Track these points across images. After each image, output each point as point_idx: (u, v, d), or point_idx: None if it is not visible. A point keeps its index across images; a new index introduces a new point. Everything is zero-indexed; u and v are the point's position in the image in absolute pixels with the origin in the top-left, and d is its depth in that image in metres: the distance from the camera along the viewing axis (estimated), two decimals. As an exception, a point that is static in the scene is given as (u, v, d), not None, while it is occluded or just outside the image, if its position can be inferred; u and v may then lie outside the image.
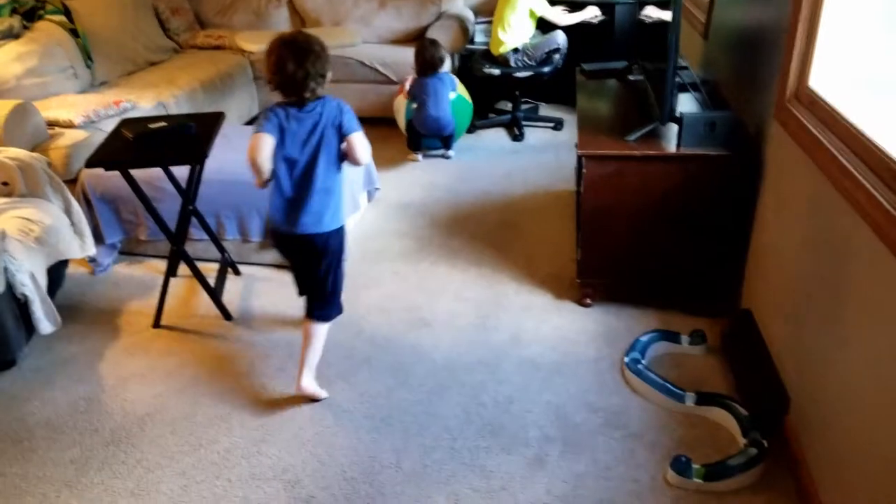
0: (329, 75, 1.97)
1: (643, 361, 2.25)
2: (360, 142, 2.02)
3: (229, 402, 2.25)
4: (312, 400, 2.23)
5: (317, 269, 2.12)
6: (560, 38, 4.18)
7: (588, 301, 2.64)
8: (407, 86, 3.98)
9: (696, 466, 1.83)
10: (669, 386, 2.13)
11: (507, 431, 2.08)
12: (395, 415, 2.16)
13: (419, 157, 4.12)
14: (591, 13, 4.32)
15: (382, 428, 2.11)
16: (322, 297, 2.18)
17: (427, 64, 3.89)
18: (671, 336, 2.36)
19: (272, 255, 3.02)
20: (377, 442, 2.06)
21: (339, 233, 2.12)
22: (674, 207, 2.41)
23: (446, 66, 3.97)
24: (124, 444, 2.09)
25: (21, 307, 2.39)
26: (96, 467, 2.01)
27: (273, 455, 2.03)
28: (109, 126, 3.01)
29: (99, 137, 3.10)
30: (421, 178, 3.89)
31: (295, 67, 1.88)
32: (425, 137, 4.04)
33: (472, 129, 4.51)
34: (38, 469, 2.01)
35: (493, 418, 2.13)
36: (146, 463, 2.02)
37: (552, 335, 2.51)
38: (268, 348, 2.51)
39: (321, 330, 2.21)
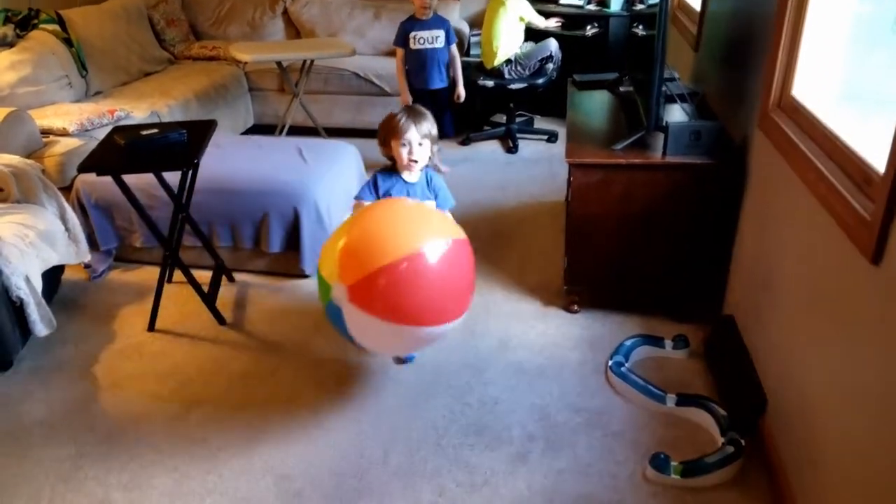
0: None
1: (626, 365, 2.41)
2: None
3: (222, 402, 2.41)
4: (301, 401, 2.39)
5: None
6: (552, 45, 4.39)
7: (575, 307, 2.80)
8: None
9: (674, 463, 1.99)
10: (651, 387, 2.29)
11: (491, 430, 2.23)
12: (383, 415, 2.32)
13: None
14: (553, 23, 4.78)
15: (370, 427, 2.27)
16: None
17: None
18: (654, 340, 2.52)
19: (265, 262, 3.19)
20: (365, 440, 2.22)
21: None
22: (658, 215, 2.58)
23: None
24: (118, 442, 2.24)
25: (17, 310, 2.55)
26: (90, 464, 2.16)
27: (264, 452, 2.18)
28: (103, 134, 3.20)
29: (93, 145, 3.27)
30: (414, 188, 4.08)
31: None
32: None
33: (466, 142, 4.70)
34: (33, 465, 2.16)
35: (478, 418, 2.29)
36: (139, 459, 2.17)
37: (539, 341, 2.67)
38: (260, 353, 2.67)
39: None
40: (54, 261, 2.80)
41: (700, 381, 2.40)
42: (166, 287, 2.93)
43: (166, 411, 2.37)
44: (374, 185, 2.42)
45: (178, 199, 2.81)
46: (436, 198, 2.46)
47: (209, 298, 2.86)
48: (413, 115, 2.35)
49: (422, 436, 2.23)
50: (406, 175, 2.41)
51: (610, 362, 2.43)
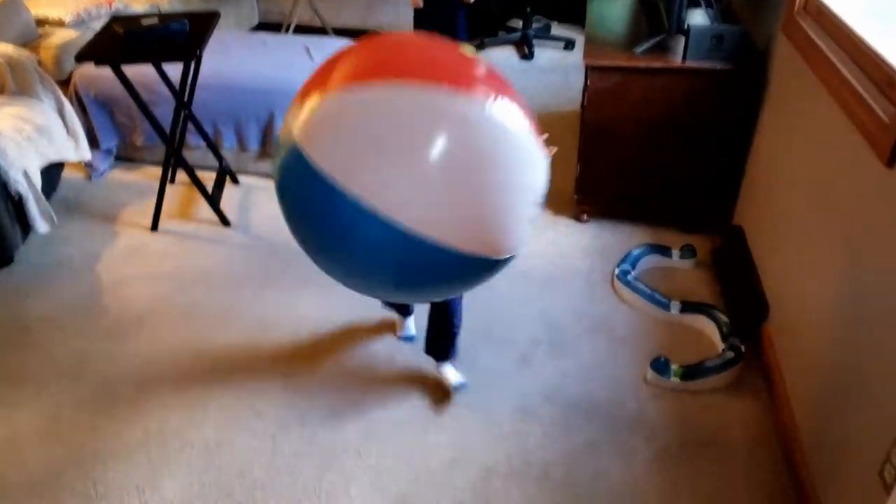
0: None
1: (633, 273, 2.41)
2: None
3: (228, 302, 2.43)
4: (307, 303, 2.41)
5: None
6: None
7: (584, 217, 2.78)
8: None
9: (674, 367, 2.01)
10: (656, 295, 2.30)
11: (498, 334, 2.26)
12: (391, 320, 2.34)
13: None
14: None
15: (379, 333, 2.29)
16: None
17: None
18: (662, 250, 2.52)
19: (270, 165, 3.16)
20: (372, 342, 2.24)
21: None
22: (675, 122, 2.51)
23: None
24: (123, 340, 2.27)
25: (16, 206, 2.53)
26: (95, 359, 2.20)
27: (271, 350, 2.22)
28: (100, 26, 3.09)
29: (90, 37, 3.18)
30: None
31: None
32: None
33: (480, 46, 4.56)
34: (39, 359, 2.20)
35: (485, 323, 2.31)
36: (145, 355, 2.21)
37: (547, 250, 2.66)
38: (267, 253, 2.68)
39: None
40: (53, 157, 2.76)
41: (705, 291, 2.40)
42: (169, 188, 2.92)
43: (171, 311, 2.39)
44: None
45: (179, 94, 2.75)
46: None
47: (213, 199, 2.85)
48: None
49: (426, 337, 2.26)
50: None
51: (616, 270, 2.43)
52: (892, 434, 1.29)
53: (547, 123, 3.63)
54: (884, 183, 1.43)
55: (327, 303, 2.40)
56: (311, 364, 2.16)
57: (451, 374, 2.06)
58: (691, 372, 2.00)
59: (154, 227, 2.82)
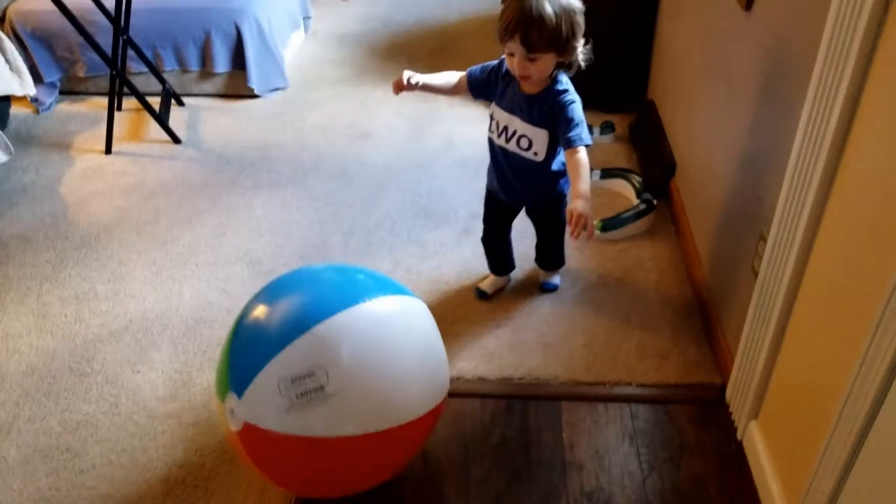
0: None
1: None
2: None
3: (188, 208, 2.60)
4: (263, 201, 2.60)
5: None
6: None
7: (513, 107, 3.01)
8: None
9: (595, 221, 2.29)
10: (579, 166, 2.56)
11: (439, 213, 2.50)
12: (342, 208, 2.56)
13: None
14: None
15: (331, 218, 2.51)
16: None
17: None
18: (584, 128, 2.77)
19: (213, 85, 3.28)
20: (327, 228, 2.46)
21: None
22: (589, 13, 2.72)
23: None
24: (94, 247, 2.44)
25: (-28, 140, 2.63)
26: (71, 265, 2.37)
27: (234, 244, 2.42)
28: (30, -40, 3.13)
29: (21, -26, 3.21)
30: (356, 11, 4.11)
31: None
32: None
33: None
34: (16, 270, 2.35)
35: (428, 205, 2.54)
36: (118, 258, 2.39)
37: (481, 138, 2.83)
38: (220, 165, 2.84)
39: None
40: (2, 90, 2.84)
41: (623, 160, 2.68)
42: (116, 115, 3.02)
43: (136, 220, 2.56)
44: (485, 76, 1.78)
45: (115, 20, 2.84)
46: (555, 130, 1.68)
47: (161, 118, 2.98)
48: (518, 16, 1.53)
49: (377, 223, 2.48)
50: (524, 85, 1.68)
51: (543, 149, 2.68)
52: (757, 233, 1.58)
53: (477, 27, 3.82)
54: (744, 26, 1.69)
55: (282, 203, 2.60)
56: (274, 251, 2.37)
57: (556, 279, 2.15)
58: (609, 223, 2.28)
59: (108, 150, 2.95)
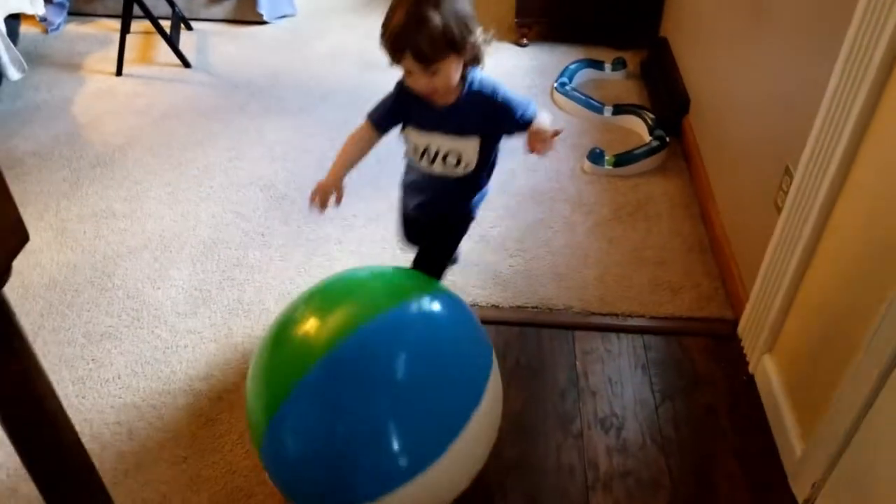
0: None
1: (570, 85, 2.57)
2: None
3: (200, 131, 2.51)
4: (276, 126, 2.51)
5: None
6: None
7: (524, 41, 2.90)
8: None
9: (607, 157, 2.22)
10: (591, 101, 2.47)
11: (452, 143, 2.42)
12: (353, 135, 2.47)
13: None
14: None
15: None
16: None
17: None
18: (595, 64, 2.67)
19: (222, 10, 3.13)
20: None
21: None
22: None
23: None
24: (110, 166, 2.35)
25: (-17, 55, 2.49)
26: (88, 183, 2.28)
27: (247, 168, 2.33)
28: None
29: None
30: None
31: None
32: None
33: None
34: (34, 186, 2.27)
35: (440, 134, 2.46)
36: (133, 178, 2.31)
37: (490, 71, 2.73)
38: (230, 90, 2.73)
39: None
40: (13, 7, 2.68)
41: (635, 97, 2.59)
42: (126, 38, 2.88)
43: (149, 141, 2.46)
44: (390, 108, 1.48)
45: (127, -64, 2.67)
46: (499, 131, 1.50)
47: (172, 41, 2.84)
48: (406, 24, 1.25)
49: (389, 151, 2.37)
50: (436, 98, 1.40)
51: (555, 84, 2.58)
52: (782, 168, 1.53)
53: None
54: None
55: (293, 130, 2.51)
56: (287, 177, 2.29)
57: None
58: (622, 159, 2.22)
59: (119, 72, 2.82)
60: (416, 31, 1.24)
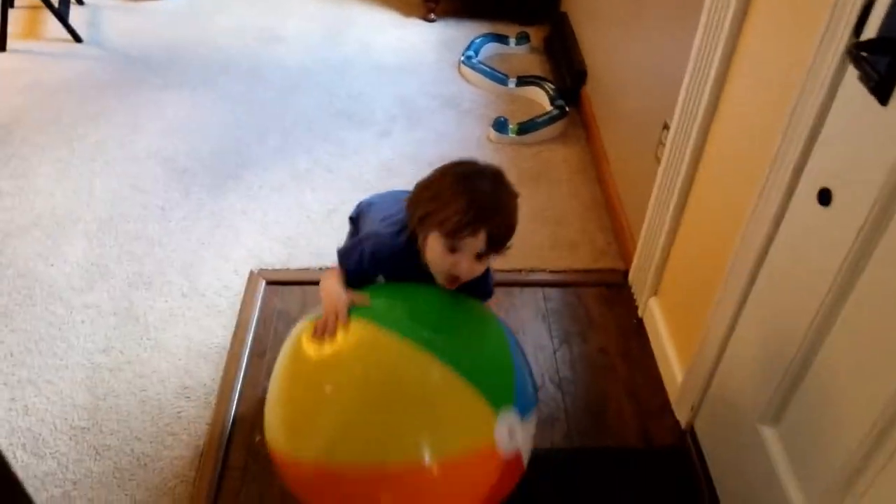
0: None
1: (476, 58, 2.67)
2: None
3: (94, 106, 2.45)
4: (174, 99, 2.49)
5: None
6: None
7: (432, 16, 2.98)
8: None
9: (511, 125, 2.33)
10: (496, 73, 2.58)
11: (358, 115, 2.47)
12: (256, 108, 2.48)
13: None
14: None
15: (245, 118, 2.43)
16: None
17: None
18: (500, 38, 2.79)
19: None
20: (242, 127, 2.39)
21: None
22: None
23: None
24: (-6, 144, 2.28)
25: None
26: (-29, 163, 2.21)
27: (145, 142, 2.31)
28: None
29: None
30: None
31: None
32: None
33: None
34: None
35: (345, 106, 2.51)
36: (20, 155, 2.24)
37: (398, 45, 2.86)
38: (125, 65, 2.68)
39: None
40: None
41: (537, 69, 2.72)
42: (11, 13, 2.78)
43: (37, 118, 2.40)
44: (362, 273, 1.25)
45: None
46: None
47: (61, 13, 2.76)
48: (482, 205, 1.12)
49: (294, 122, 2.43)
50: (440, 280, 1.20)
51: (462, 57, 2.68)
52: (660, 125, 1.67)
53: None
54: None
55: (192, 103, 2.49)
56: (188, 150, 2.28)
57: None
58: (525, 127, 2.33)
59: (2, 47, 2.72)
60: (495, 210, 1.13)
